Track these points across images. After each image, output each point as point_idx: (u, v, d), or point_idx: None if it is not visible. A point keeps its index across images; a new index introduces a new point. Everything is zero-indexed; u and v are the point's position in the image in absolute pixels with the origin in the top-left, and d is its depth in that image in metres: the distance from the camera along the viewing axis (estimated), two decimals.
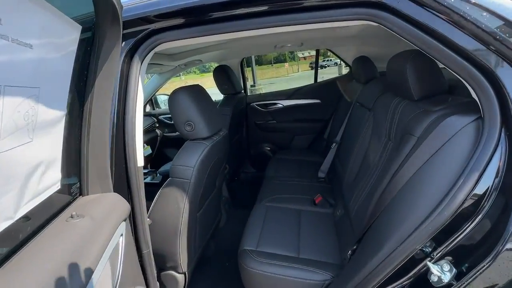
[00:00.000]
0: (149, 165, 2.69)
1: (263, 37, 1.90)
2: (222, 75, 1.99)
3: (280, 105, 2.49)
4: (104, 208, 0.62)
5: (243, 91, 2.32)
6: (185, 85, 1.12)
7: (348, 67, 2.38)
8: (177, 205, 1.05)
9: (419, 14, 0.66)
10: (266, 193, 1.72)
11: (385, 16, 0.70)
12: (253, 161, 2.73)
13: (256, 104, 2.54)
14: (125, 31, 0.82)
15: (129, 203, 0.84)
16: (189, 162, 1.05)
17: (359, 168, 1.33)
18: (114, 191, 0.74)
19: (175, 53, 1.92)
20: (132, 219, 0.86)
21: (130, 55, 0.82)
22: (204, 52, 1.97)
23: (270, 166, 2.18)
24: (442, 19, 0.64)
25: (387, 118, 1.14)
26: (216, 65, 2.19)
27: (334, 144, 1.77)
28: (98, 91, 0.64)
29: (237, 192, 2.55)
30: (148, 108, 2.76)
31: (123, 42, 0.81)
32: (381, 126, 1.21)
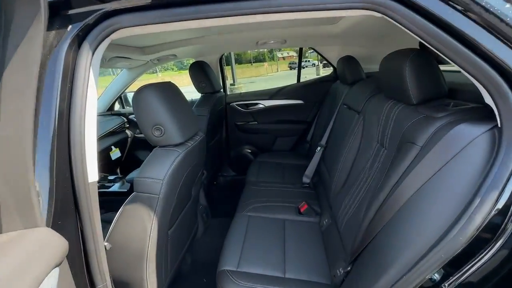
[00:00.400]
0: (118, 170, 2.45)
1: (244, 33, 1.77)
2: (199, 71, 1.82)
3: (261, 106, 2.37)
4: (21, 254, 0.45)
5: (222, 90, 2.16)
6: (153, 82, 0.95)
7: (332, 68, 2.31)
8: (143, 225, 0.88)
9: (433, 5, 0.56)
10: (247, 201, 1.59)
11: (393, 5, 0.59)
12: (233, 164, 2.59)
13: (236, 104, 2.40)
14: (71, 12, 0.64)
15: (78, 229, 0.66)
16: (158, 173, 0.89)
17: (348, 175, 1.24)
18: (55, 219, 0.57)
19: (146, 45, 1.72)
20: (83, 248, 0.69)
21: (78, 42, 0.65)
22: (179, 46, 1.79)
23: (251, 170, 2.05)
24: (460, 12, 0.54)
25: (379, 122, 1.06)
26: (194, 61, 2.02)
27: (319, 148, 1.68)
28: (9, 88, 0.46)
29: (216, 198, 2.39)
30: (117, 107, 2.51)
31: (69, 26, 0.63)
32: (372, 131, 1.12)
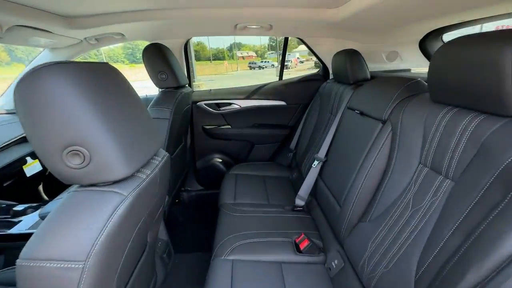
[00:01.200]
0: (41, 187, 1.78)
1: (219, 10, 1.33)
2: (158, 57, 1.33)
3: (236, 106, 1.95)
4: None
5: (188, 85, 1.69)
6: (65, 61, 0.47)
7: (321, 65, 2.00)
8: None
9: None
10: (226, 237, 1.17)
11: None
12: (200, 176, 2.12)
13: (205, 104, 1.93)
14: None
15: None
16: (75, 249, 0.42)
17: (372, 202, 0.92)
18: None
19: (75, 14, 1.17)
20: None
21: None
22: (127, 20, 1.27)
23: (226, 187, 1.63)
24: None
25: (430, 138, 0.75)
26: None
27: (316, 162, 1.34)
28: None
29: (179, 223, 1.90)
30: None
31: None
32: (413, 148, 0.81)
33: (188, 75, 1.90)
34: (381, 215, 0.87)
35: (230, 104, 1.95)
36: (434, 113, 0.76)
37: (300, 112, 1.97)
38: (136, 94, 0.64)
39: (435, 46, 1.62)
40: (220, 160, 2.10)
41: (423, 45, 1.62)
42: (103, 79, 0.52)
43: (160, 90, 1.42)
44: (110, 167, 0.49)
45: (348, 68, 1.35)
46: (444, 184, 0.69)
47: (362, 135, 1.06)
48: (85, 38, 1.46)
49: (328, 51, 1.78)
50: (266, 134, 2.01)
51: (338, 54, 1.45)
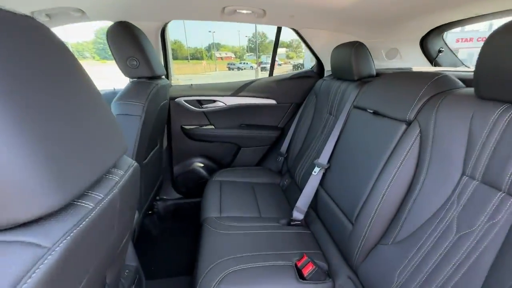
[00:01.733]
0: None
1: None
2: (124, 38, 1.07)
3: (220, 104, 1.72)
4: None
5: (165, 77, 1.43)
6: None
7: (316, 61, 1.84)
8: None
9: None
10: (212, 261, 0.94)
11: None
12: (178, 183, 1.86)
13: (184, 100, 1.69)
14: None
15: None
16: None
17: (401, 223, 0.75)
18: None
19: None
20: None
21: None
22: None
23: (209, 197, 1.40)
24: None
25: (476, 144, 0.59)
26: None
27: (317, 169, 1.16)
28: None
29: (152, 240, 1.63)
30: None
31: None
32: (452, 154, 0.65)
33: (166, 67, 1.64)
34: (410, 237, 0.71)
35: (213, 101, 1.72)
36: (485, 112, 0.61)
37: (292, 112, 1.80)
38: (85, 75, 0.40)
39: (436, 45, 1.53)
40: (202, 165, 1.86)
41: (424, 43, 1.52)
42: (23, 45, 0.29)
43: (131, 80, 1.16)
44: (21, 194, 0.26)
45: (353, 63, 1.19)
46: (508, 204, 0.53)
47: (378, 138, 0.90)
48: (32, 13, 1.16)
49: (325, 45, 1.62)
50: (254, 136, 1.81)
51: (341, 47, 1.29)
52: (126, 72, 1.11)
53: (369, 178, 0.88)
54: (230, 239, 1.07)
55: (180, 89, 1.71)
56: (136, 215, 1.05)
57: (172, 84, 1.74)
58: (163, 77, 1.40)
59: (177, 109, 1.71)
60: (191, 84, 1.73)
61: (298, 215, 1.17)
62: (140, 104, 1.03)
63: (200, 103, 1.72)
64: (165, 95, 1.34)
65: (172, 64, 1.78)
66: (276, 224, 1.19)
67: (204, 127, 1.78)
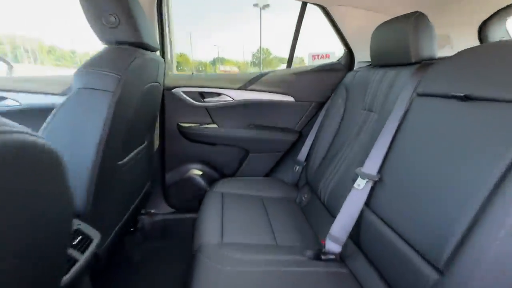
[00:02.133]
0: None
1: None
2: None
3: (227, 98, 1.41)
4: None
5: (159, 53, 1.13)
6: None
7: (346, 49, 1.54)
8: None
9: None
10: None
11: None
12: (170, 193, 1.52)
13: (183, 91, 1.38)
14: None
15: None
16: None
17: None
18: None
19: None
20: None
21: None
22: None
23: (207, 214, 1.06)
24: None
25: None
26: None
27: (363, 182, 0.82)
28: None
29: (132, 267, 1.26)
30: None
31: None
32: None
33: (162, 48, 1.34)
34: None
35: (218, 94, 1.41)
36: None
37: (313, 113, 1.48)
38: None
39: (497, 33, 1.24)
40: (200, 173, 1.52)
41: (483, 30, 1.23)
42: None
43: (105, 46, 0.84)
44: None
45: (411, 40, 0.88)
46: None
47: (481, 136, 0.57)
48: None
49: (357, 28, 1.33)
50: (266, 139, 1.48)
51: (390, 22, 0.99)
52: (101, 33, 0.80)
53: (467, 198, 0.54)
54: (235, 279, 0.72)
55: (178, 78, 1.40)
56: (99, 237, 0.71)
57: (169, 73, 1.43)
58: (158, 53, 1.09)
59: (173, 102, 1.39)
60: (192, 73, 1.42)
61: (333, 246, 0.82)
62: (115, 76, 0.71)
63: (202, 96, 1.41)
64: (157, 75, 1.03)
65: (173, 46, 1.47)
66: (300, 258, 0.84)
67: (205, 126, 1.46)
